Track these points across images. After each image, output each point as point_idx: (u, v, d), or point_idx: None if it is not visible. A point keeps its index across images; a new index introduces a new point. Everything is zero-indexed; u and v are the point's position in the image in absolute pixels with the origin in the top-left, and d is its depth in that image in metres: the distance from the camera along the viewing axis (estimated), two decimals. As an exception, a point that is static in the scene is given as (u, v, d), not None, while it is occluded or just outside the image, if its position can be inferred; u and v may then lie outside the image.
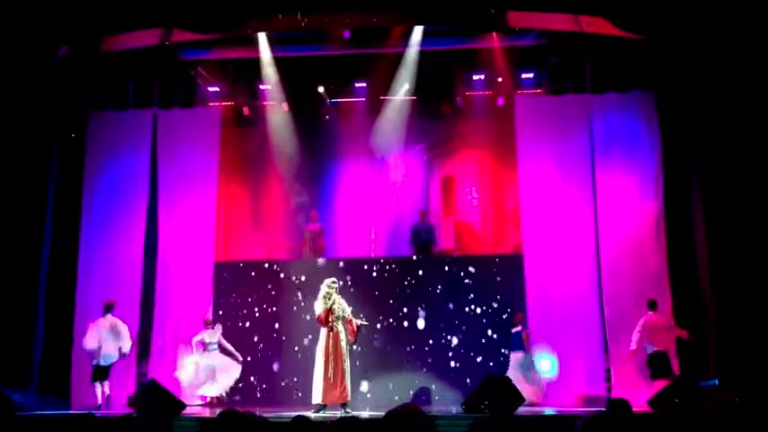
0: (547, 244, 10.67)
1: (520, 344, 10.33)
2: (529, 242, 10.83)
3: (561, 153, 10.83)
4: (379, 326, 10.83)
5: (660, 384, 8.98)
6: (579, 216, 10.64)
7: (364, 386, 10.62)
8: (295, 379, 10.73)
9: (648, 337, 9.59)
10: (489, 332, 10.87)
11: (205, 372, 10.18)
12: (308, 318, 10.80)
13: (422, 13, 10.50)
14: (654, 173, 10.52)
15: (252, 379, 10.96)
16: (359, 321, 8.86)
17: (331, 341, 8.58)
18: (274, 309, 11.26)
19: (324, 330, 8.66)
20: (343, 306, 8.77)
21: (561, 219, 10.65)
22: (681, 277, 10.37)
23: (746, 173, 9.64)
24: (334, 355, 8.51)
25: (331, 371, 8.44)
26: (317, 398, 8.46)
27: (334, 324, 8.63)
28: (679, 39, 9.79)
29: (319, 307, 8.67)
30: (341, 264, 11.39)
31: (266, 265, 11.57)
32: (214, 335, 10.40)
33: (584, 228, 10.60)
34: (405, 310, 11.08)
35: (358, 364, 10.36)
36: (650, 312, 9.69)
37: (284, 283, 11.34)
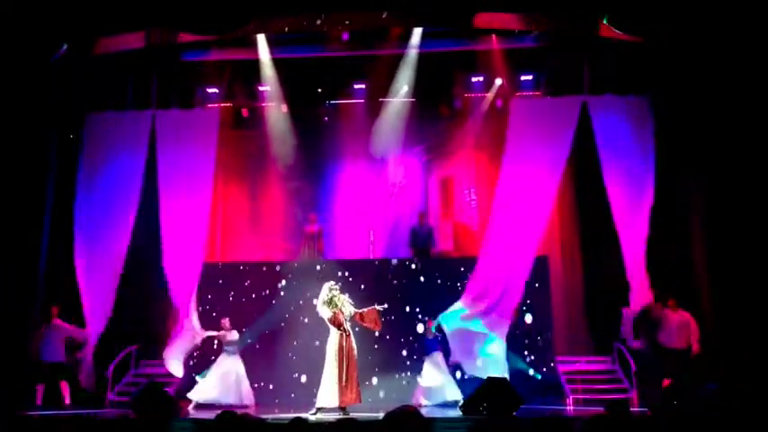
0: (504, 245, 10.69)
1: (435, 345, 10.33)
2: (489, 242, 10.86)
3: (545, 156, 10.80)
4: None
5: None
6: (531, 218, 10.68)
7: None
8: (298, 376, 10.70)
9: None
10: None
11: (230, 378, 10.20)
12: (306, 320, 10.81)
13: (417, 14, 10.55)
14: (647, 174, 10.51)
15: (249, 381, 10.94)
16: (376, 307, 8.76)
17: (344, 343, 8.50)
18: (272, 310, 11.24)
19: (335, 333, 8.56)
20: (348, 306, 8.71)
21: (520, 222, 10.68)
22: (678, 278, 10.37)
23: (744, 173, 9.65)
24: (347, 357, 8.45)
25: (345, 373, 8.37)
26: (331, 401, 8.31)
27: (346, 326, 8.59)
28: (677, 41, 9.81)
29: (326, 311, 8.60)
30: (339, 265, 11.37)
31: (264, 267, 11.56)
32: (233, 337, 10.40)
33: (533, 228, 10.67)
34: (403, 311, 11.06)
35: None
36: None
37: (282, 284, 11.33)
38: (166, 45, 10.84)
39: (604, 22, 9.98)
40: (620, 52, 10.53)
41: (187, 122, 11.54)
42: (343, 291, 8.87)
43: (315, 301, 8.83)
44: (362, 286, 10.74)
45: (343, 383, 8.31)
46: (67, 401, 9.75)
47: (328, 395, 8.33)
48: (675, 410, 7.54)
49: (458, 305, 10.57)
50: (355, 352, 8.56)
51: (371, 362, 10.78)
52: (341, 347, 8.45)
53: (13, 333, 9.95)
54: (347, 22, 10.79)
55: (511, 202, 10.79)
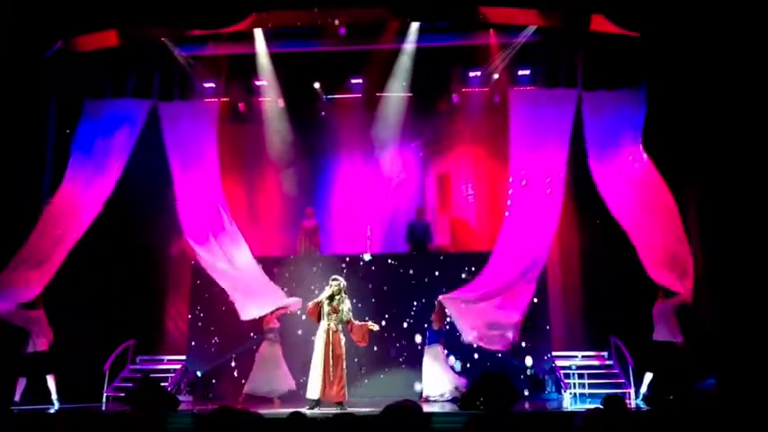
0: (518, 240, 10.53)
1: (436, 338, 10.29)
2: (506, 237, 10.62)
3: (548, 147, 10.72)
4: (370, 317, 10.85)
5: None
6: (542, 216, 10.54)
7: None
8: (295, 371, 10.69)
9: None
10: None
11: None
12: (303, 317, 10.80)
13: (411, 10, 10.52)
14: (640, 166, 10.44)
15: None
16: (370, 326, 8.85)
17: (331, 339, 8.60)
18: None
19: (322, 329, 8.69)
20: (343, 307, 8.74)
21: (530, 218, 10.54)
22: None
23: (740, 166, 9.63)
24: (333, 354, 8.54)
25: (331, 370, 8.46)
26: (314, 393, 8.50)
27: (332, 323, 8.64)
28: (673, 35, 9.78)
29: (319, 299, 8.76)
30: (335, 259, 11.38)
31: (260, 265, 11.53)
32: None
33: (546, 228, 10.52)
34: (401, 306, 11.07)
35: (357, 360, 10.48)
36: None
37: (279, 279, 11.32)
38: (170, 39, 10.87)
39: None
40: (614, 46, 10.50)
41: (189, 114, 11.49)
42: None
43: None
44: (357, 282, 10.80)
45: (330, 378, 8.44)
46: (54, 396, 9.48)
47: (312, 387, 8.52)
48: (673, 405, 7.56)
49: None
50: (342, 350, 8.64)
51: (367, 357, 10.79)
52: (327, 343, 8.60)
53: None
54: (343, 16, 10.74)
55: (522, 198, 10.66)
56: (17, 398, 9.34)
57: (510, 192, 10.72)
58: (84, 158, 10.91)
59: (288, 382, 10.18)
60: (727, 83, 9.56)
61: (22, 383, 9.46)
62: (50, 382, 9.49)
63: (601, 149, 10.56)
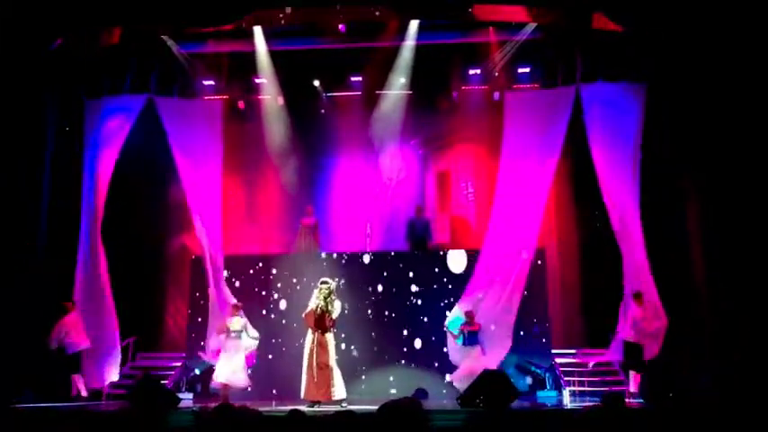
0: (506, 239, 10.59)
1: (475, 339, 10.06)
2: (490, 238, 10.72)
3: (542, 147, 10.68)
4: (370, 314, 10.92)
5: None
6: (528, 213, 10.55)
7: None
8: (294, 369, 10.72)
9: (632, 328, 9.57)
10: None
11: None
12: (302, 315, 10.80)
13: (412, 8, 10.53)
14: (633, 163, 10.40)
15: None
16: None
17: (316, 341, 8.69)
18: (268, 303, 11.25)
19: (311, 331, 8.78)
20: (332, 309, 8.76)
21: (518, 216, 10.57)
22: (674, 270, 10.35)
23: (739, 161, 9.65)
24: (318, 354, 8.61)
25: (315, 370, 8.54)
26: (302, 393, 8.65)
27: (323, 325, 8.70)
28: (670, 31, 9.79)
29: (312, 305, 8.80)
30: (335, 257, 11.38)
31: (260, 263, 11.54)
32: (239, 323, 10.30)
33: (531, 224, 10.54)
34: (400, 304, 11.07)
35: (356, 353, 10.54)
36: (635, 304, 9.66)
37: (279, 277, 11.33)
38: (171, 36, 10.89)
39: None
40: (613, 41, 10.49)
41: (191, 112, 11.47)
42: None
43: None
44: (356, 279, 10.83)
45: (314, 379, 8.52)
46: (84, 394, 9.85)
47: (302, 386, 8.65)
48: (671, 403, 7.57)
49: (457, 310, 10.41)
50: (329, 354, 8.67)
51: (367, 356, 10.81)
52: (312, 344, 8.69)
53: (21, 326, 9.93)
54: (342, 14, 10.75)
55: (510, 196, 10.69)
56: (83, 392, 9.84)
57: (498, 191, 10.79)
58: (90, 156, 10.98)
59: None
60: (729, 79, 9.57)
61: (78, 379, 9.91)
62: (77, 380, 9.91)
63: (602, 139, 10.53)
